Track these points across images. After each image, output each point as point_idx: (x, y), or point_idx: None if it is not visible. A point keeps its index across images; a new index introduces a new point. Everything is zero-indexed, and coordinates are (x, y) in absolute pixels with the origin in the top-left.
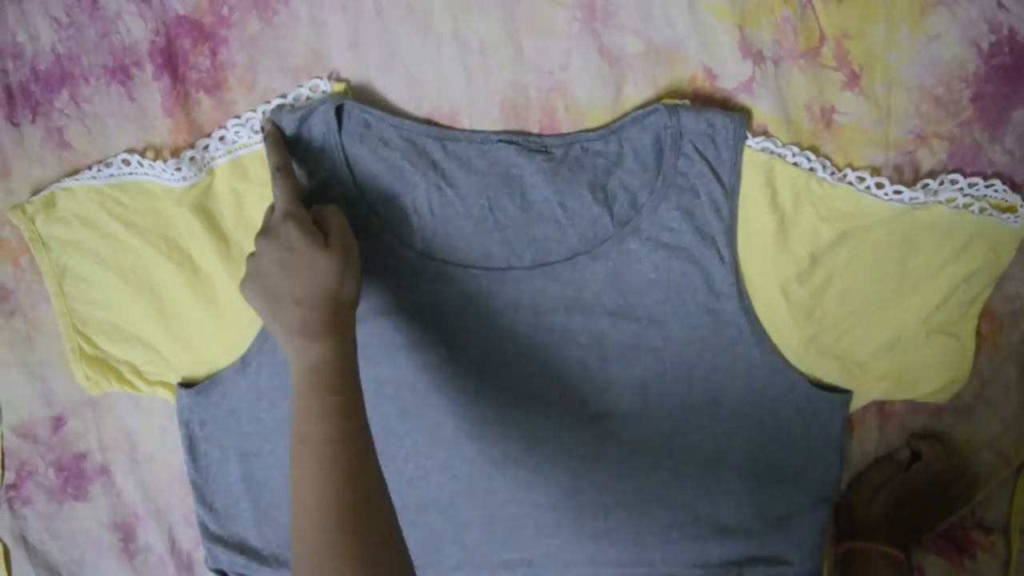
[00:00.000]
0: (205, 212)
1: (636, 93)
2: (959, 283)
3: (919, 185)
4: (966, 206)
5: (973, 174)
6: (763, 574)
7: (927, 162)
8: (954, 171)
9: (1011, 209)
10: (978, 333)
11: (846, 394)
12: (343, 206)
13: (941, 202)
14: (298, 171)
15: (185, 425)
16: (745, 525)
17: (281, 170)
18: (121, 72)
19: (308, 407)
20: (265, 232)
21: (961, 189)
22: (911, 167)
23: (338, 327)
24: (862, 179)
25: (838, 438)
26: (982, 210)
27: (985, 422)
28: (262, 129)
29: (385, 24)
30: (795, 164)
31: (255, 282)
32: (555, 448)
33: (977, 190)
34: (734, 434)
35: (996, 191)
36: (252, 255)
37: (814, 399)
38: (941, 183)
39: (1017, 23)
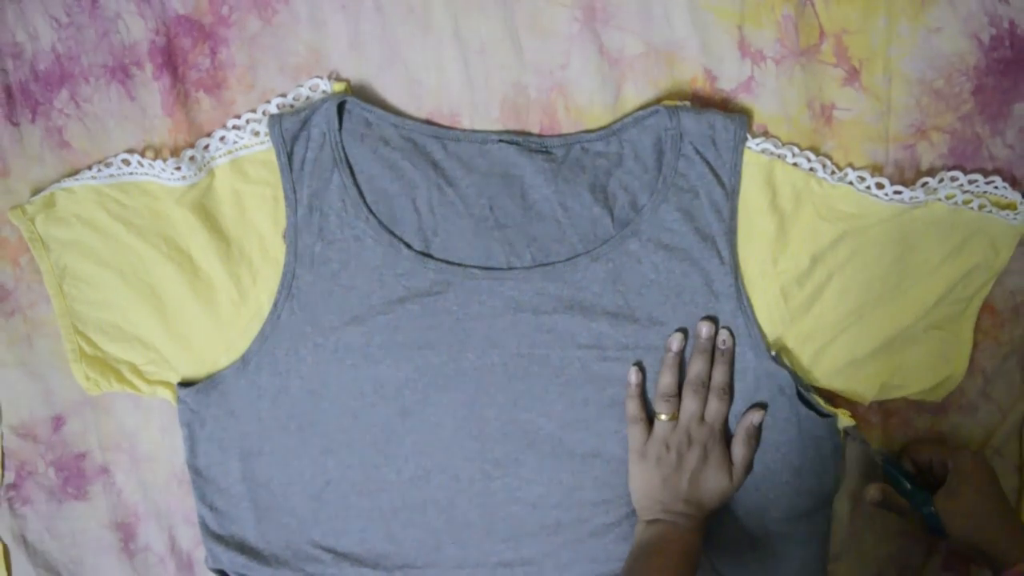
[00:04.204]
0: (205, 212)
1: (636, 94)
2: (958, 280)
3: (919, 184)
4: (965, 203)
5: (974, 169)
6: None
7: (927, 156)
8: (955, 167)
9: (1011, 206)
10: (979, 329)
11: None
12: (343, 206)
13: (940, 199)
14: (299, 171)
15: (186, 425)
16: (742, 524)
17: None
18: (121, 72)
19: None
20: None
21: (961, 186)
22: (911, 162)
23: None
24: (862, 179)
25: (831, 455)
26: (981, 207)
27: (989, 420)
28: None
29: (385, 23)
30: (795, 164)
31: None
32: (556, 447)
33: (977, 187)
34: (730, 435)
35: (996, 188)
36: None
37: (806, 410)
38: (941, 180)
39: (1018, 16)
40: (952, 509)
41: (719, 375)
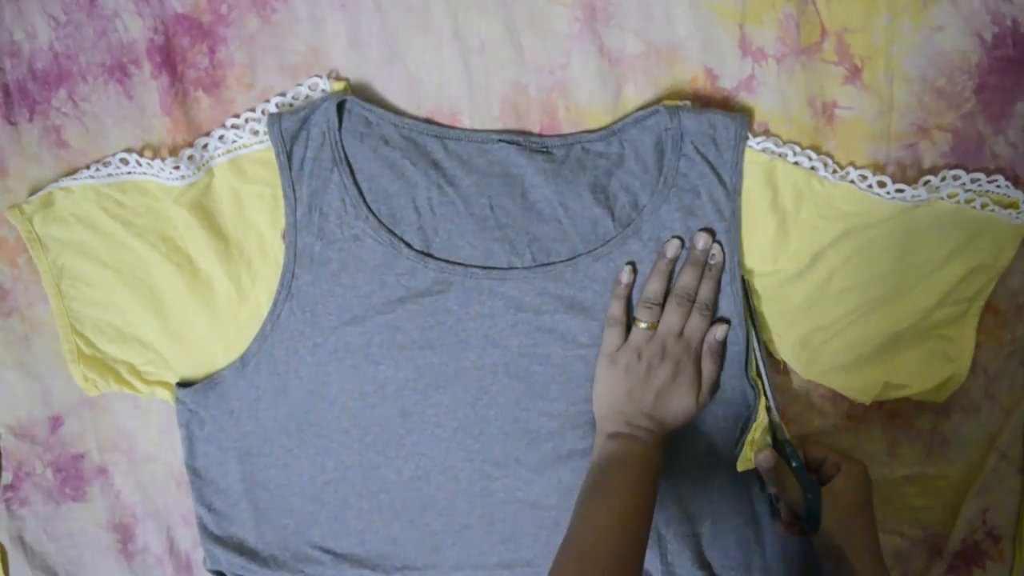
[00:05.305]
0: (204, 211)
1: (637, 93)
2: (960, 279)
3: (921, 182)
4: (967, 202)
5: (976, 168)
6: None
7: (929, 155)
8: (957, 166)
9: (1013, 205)
10: (982, 329)
11: None
12: (343, 205)
13: (942, 198)
14: (298, 170)
15: (184, 426)
16: (738, 523)
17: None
18: (119, 71)
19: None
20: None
21: (963, 184)
22: (913, 161)
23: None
24: (864, 177)
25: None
26: (983, 206)
27: (992, 421)
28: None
29: (385, 22)
30: (796, 163)
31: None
32: (556, 447)
33: (979, 185)
34: (727, 434)
35: (999, 187)
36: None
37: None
38: (943, 179)
39: (1020, 14)
40: (832, 506)
41: (705, 290)
